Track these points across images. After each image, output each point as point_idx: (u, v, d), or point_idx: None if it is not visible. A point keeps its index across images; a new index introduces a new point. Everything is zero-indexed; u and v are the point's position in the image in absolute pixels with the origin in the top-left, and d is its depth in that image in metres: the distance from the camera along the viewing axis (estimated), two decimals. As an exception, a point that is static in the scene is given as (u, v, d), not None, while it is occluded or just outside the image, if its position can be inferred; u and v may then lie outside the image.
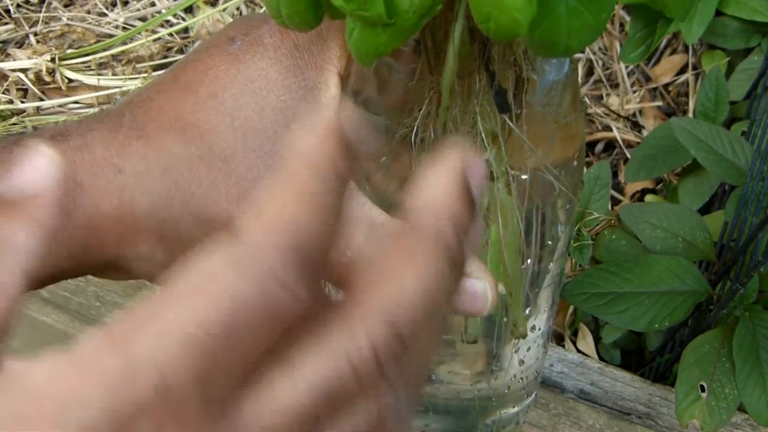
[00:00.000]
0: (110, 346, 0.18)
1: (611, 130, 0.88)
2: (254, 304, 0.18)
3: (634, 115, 0.90)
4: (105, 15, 1.00)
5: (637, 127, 0.90)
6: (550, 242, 0.38)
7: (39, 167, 0.22)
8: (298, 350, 0.19)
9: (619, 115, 0.90)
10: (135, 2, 1.00)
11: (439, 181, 0.22)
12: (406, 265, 0.20)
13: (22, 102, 0.92)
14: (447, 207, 0.21)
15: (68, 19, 0.99)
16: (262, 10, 0.95)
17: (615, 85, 0.92)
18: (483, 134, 0.31)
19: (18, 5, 1.01)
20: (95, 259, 0.31)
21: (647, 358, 0.70)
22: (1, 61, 0.95)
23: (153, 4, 1.00)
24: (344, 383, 0.19)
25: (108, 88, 0.91)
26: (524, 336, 0.40)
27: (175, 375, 0.17)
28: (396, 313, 0.20)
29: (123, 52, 0.94)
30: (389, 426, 0.20)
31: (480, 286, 0.30)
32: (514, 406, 0.46)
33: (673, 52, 0.94)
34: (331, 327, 0.20)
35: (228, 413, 0.19)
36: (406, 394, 0.21)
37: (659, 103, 0.91)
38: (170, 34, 0.96)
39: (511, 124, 0.31)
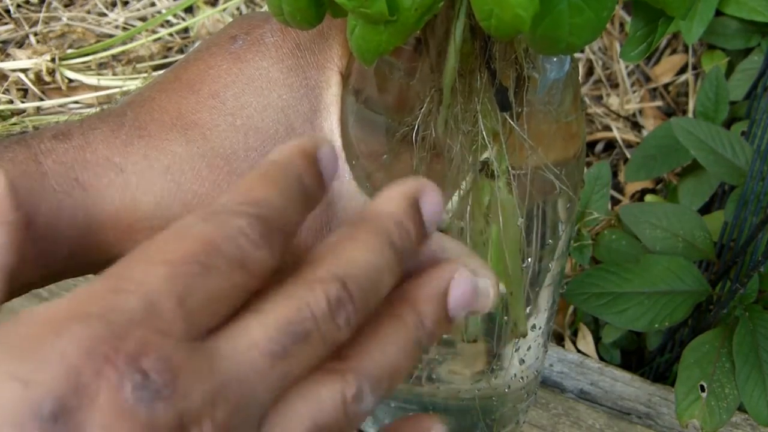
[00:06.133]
0: (102, 282, 0.20)
1: (611, 130, 0.88)
2: (223, 247, 0.21)
3: (634, 115, 0.90)
4: (105, 15, 1.00)
5: (637, 127, 0.90)
6: (550, 241, 0.38)
7: None
8: (265, 300, 0.22)
9: (619, 115, 0.90)
10: (135, 2, 1.00)
11: (392, 198, 0.25)
12: (355, 245, 0.23)
13: (22, 102, 0.92)
14: (394, 214, 0.24)
15: (68, 19, 0.99)
16: (263, 9, 0.95)
17: (615, 85, 0.92)
18: (484, 132, 0.31)
19: (18, 5, 1.01)
20: (97, 258, 0.31)
21: (647, 358, 0.70)
22: (1, 61, 0.95)
23: (153, 4, 1.00)
24: (305, 324, 0.22)
25: (108, 88, 0.91)
26: (525, 335, 0.40)
27: (160, 297, 0.20)
28: (346, 275, 0.22)
29: (123, 52, 0.94)
30: (351, 411, 0.22)
31: (482, 283, 0.30)
32: (514, 406, 0.46)
33: (673, 52, 0.94)
34: (291, 281, 0.22)
35: (207, 342, 0.21)
36: (371, 384, 0.23)
37: (659, 103, 0.91)
38: (170, 34, 0.96)
39: (512, 122, 0.31)
